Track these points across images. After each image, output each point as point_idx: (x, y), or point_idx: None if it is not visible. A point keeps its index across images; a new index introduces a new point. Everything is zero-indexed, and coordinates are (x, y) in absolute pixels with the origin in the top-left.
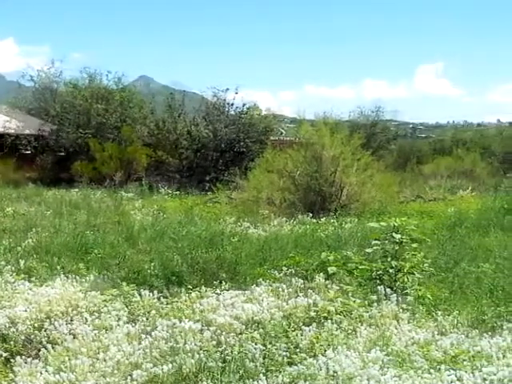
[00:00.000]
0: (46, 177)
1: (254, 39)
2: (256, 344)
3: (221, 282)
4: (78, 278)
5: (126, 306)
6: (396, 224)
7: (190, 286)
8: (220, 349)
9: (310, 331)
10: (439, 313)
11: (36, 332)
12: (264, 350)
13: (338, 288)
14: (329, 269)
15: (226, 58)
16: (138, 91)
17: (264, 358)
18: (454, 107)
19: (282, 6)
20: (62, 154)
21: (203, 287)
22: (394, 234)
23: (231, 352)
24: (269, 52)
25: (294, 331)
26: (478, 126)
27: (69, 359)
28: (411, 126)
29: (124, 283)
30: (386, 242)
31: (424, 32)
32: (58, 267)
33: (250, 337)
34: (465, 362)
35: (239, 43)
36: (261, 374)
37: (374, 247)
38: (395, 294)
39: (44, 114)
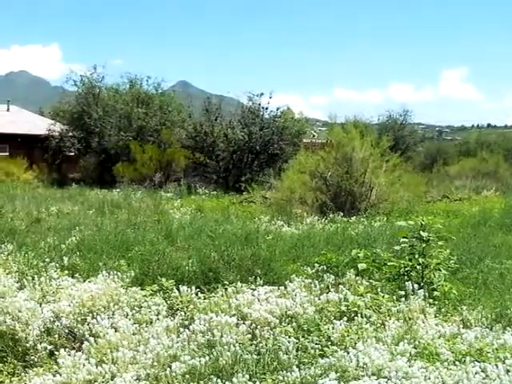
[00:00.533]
0: (89, 177)
1: (286, 46)
2: (289, 337)
3: (256, 278)
4: (119, 274)
5: (166, 301)
6: (423, 222)
7: (226, 282)
8: (255, 342)
9: (340, 325)
10: (464, 307)
11: (79, 326)
12: (297, 343)
13: (367, 284)
14: (359, 265)
15: (260, 64)
16: (177, 95)
17: (297, 351)
18: (478, 111)
19: (310, 14)
20: (104, 156)
21: (239, 283)
22: (421, 232)
23: (265, 345)
24: (300, 58)
25: (325, 325)
26: (501, 128)
27: (110, 352)
28: (437, 128)
29: (163, 279)
30: (414, 239)
31: (449, 38)
32: (100, 264)
33: (283, 330)
34: (489, 355)
35: (273, 49)
36: (294, 366)
37: (402, 245)
38: (422, 290)
39: (87, 118)
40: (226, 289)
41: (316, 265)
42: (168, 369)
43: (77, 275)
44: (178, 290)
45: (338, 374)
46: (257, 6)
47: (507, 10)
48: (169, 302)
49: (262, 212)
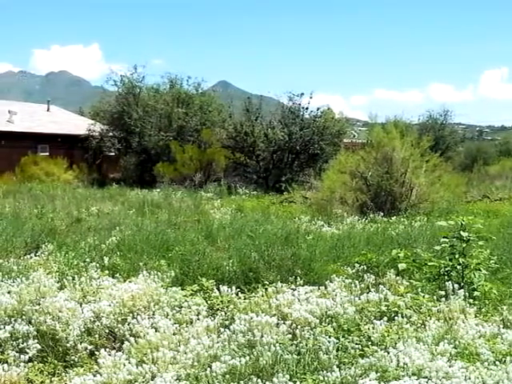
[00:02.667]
0: (129, 177)
1: (327, 46)
2: (330, 337)
3: (296, 278)
4: (159, 274)
5: (206, 301)
6: (463, 222)
7: (266, 282)
8: (295, 342)
9: (381, 325)
10: (504, 307)
11: (119, 326)
12: (337, 343)
13: (407, 284)
14: (399, 265)
15: (301, 64)
16: (217, 95)
17: (337, 351)
18: None
19: (352, 14)
20: (145, 155)
21: (279, 283)
22: (461, 232)
23: (306, 345)
24: (341, 58)
25: (365, 325)
26: None
27: (151, 352)
28: (478, 128)
29: (204, 279)
30: (454, 239)
31: (490, 38)
32: (141, 264)
33: (324, 330)
34: None
35: (314, 50)
36: (334, 366)
37: (443, 245)
38: (462, 290)
39: (127, 118)
40: (266, 289)
41: (356, 265)
42: (208, 369)
43: (117, 275)
44: (219, 289)
45: (379, 374)
46: (299, 4)
47: None
48: (209, 301)
49: (302, 212)
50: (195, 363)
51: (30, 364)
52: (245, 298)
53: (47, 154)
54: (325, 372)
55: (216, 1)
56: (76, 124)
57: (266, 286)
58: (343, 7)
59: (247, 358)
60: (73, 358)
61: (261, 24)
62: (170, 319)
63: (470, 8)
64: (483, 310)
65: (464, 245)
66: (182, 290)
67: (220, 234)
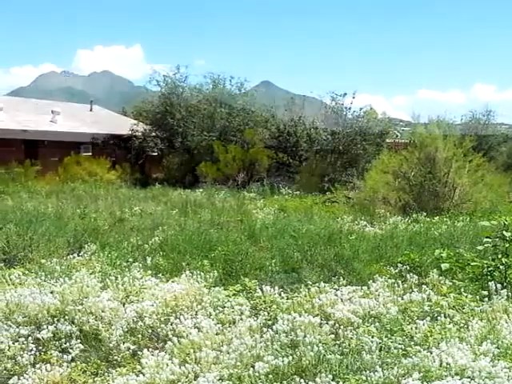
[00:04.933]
0: (172, 177)
1: (368, 47)
2: (372, 337)
3: (339, 278)
4: (202, 274)
5: (249, 301)
6: (506, 222)
7: (309, 282)
8: (338, 342)
9: (424, 325)
10: None
11: (162, 326)
12: (380, 343)
13: (450, 284)
14: (442, 265)
15: (345, 65)
16: (260, 96)
17: (380, 351)
18: None
19: (393, 18)
20: (188, 156)
21: (322, 283)
22: (504, 232)
23: (349, 345)
24: (382, 58)
25: (408, 325)
26: None
27: (194, 351)
28: None
29: (246, 279)
30: (497, 239)
31: None
32: (184, 264)
33: (366, 330)
34: None
35: (355, 50)
36: (377, 366)
37: (486, 245)
38: (505, 290)
39: (170, 118)
40: (309, 289)
41: (399, 265)
42: (251, 369)
43: (160, 275)
44: (262, 289)
45: (421, 374)
46: (340, 5)
47: None
48: (252, 302)
49: (345, 212)
50: (238, 363)
51: (73, 364)
52: (287, 298)
53: (90, 154)
54: (367, 372)
55: (256, 2)
56: (119, 124)
57: (309, 286)
58: (384, 9)
59: (290, 358)
60: (115, 357)
61: (302, 25)
62: (212, 319)
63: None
64: None
65: (507, 245)
66: (225, 290)
67: (263, 233)
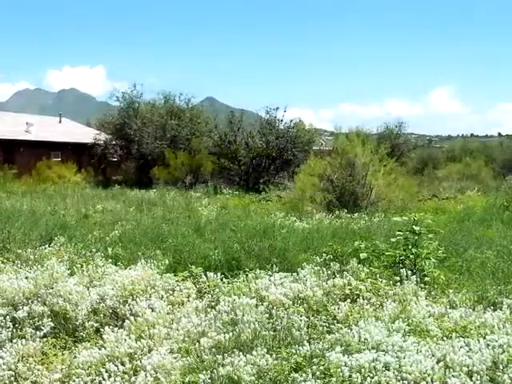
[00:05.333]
0: (130, 180)
1: (297, 66)
2: (301, 316)
3: (272, 266)
4: (155, 262)
5: (195, 285)
6: (415, 218)
7: (247, 269)
8: (271, 320)
9: (345, 306)
10: (451, 291)
11: (121, 306)
12: (307, 321)
13: (368, 270)
14: (360, 255)
15: (277, 83)
16: (205, 109)
17: (308, 328)
18: (462, 122)
19: (319, 37)
20: (143, 161)
21: (258, 270)
22: (413, 227)
23: (281, 323)
24: (310, 76)
25: (332, 306)
26: (482, 138)
27: (148, 329)
28: (428, 137)
29: (193, 266)
30: (408, 232)
31: (438, 60)
32: (139, 253)
33: (296, 310)
34: (472, 331)
35: (287, 70)
36: (305, 341)
37: (398, 237)
38: (415, 276)
39: (128, 128)
40: (246, 275)
41: (324, 254)
42: (197, 343)
43: (119, 263)
44: (206, 276)
45: (343, 348)
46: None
47: (485, 36)
48: (198, 286)
49: (277, 209)
50: (186, 338)
51: (45, 339)
52: (228, 283)
53: (59, 159)
54: (297, 346)
55: (202, 29)
56: (84, 134)
57: (247, 273)
58: (319, 30)
59: (230, 334)
60: (81, 334)
61: (244, 50)
62: (164, 301)
63: (421, 33)
64: (432, 293)
65: (416, 237)
66: (175, 275)
67: (207, 228)
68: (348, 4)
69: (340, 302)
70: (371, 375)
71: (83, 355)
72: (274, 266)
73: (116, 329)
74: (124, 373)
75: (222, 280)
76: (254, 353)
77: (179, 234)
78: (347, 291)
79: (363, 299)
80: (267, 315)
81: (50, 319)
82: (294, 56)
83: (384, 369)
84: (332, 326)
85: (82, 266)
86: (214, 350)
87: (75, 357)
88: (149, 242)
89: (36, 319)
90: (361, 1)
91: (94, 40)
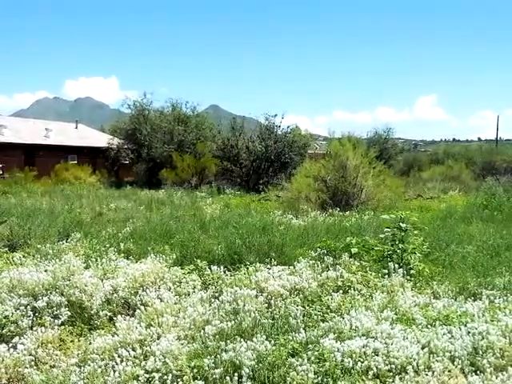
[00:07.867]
0: (140, 181)
1: (295, 77)
2: (297, 306)
3: (271, 260)
4: (164, 256)
5: (200, 278)
6: (402, 216)
7: (247, 263)
8: (270, 310)
9: (337, 296)
10: (434, 283)
11: (132, 297)
12: (303, 311)
13: (358, 264)
14: (352, 249)
15: (276, 90)
16: (209, 116)
17: (303, 317)
18: (445, 128)
19: (314, 49)
20: (152, 163)
21: (258, 263)
22: (400, 224)
23: (279, 312)
24: (306, 86)
25: (325, 296)
26: (464, 142)
27: (157, 317)
28: (413, 142)
29: (198, 260)
30: (395, 229)
31: (421, 71)
32: (149, 248)
33: (292, 301)
34: (454, 320)
35: (287, 80)
36: (301, 329)
37: (386, 233)
38: (401, 269)
39: (138, 134)
40: (247, 268)
41: (318, 249)
42: (202, 331)
43: (130, 257)
44: (210, 269)
45: (336, 335)
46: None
47: (468, 45)
48: (202, 278)
49: (275, 208)
50: (192, 326)
51: (62, 327)
52: (231, 275)
53: (75, 162)
54: (293, 333)
55: (209, 46)
56: (98, 139)
57: (248, 266)
58: (311, 50)
59: (233, 322)
60: (96, 322)
61: (247, 60)
62: (171, 292)
63: (407, 45)
64: (418, 284)
65: (403, 233)
66: (182, 269)
67: (211, 225)
68: (346, 23)
69: (333, 293)
70: (361, 360)
71: (97, 342)
72: (273, 260)
73: (128, 317)
74: (135, 357)
75: (224, 273)
76: (254, 339)
77: (186, 230)
78: (340, 283)
79: (354, 290)
80: (266, 305)
81: (67, 309)
82: (292, 68)
83: (373, 354)
84: (326, 315)
85: (96, 260)
86: (217, 336)
87: (90, 343)
88: (158, 238)
89: (54, 309)
90: (356, 20)
91: (107, 53)
